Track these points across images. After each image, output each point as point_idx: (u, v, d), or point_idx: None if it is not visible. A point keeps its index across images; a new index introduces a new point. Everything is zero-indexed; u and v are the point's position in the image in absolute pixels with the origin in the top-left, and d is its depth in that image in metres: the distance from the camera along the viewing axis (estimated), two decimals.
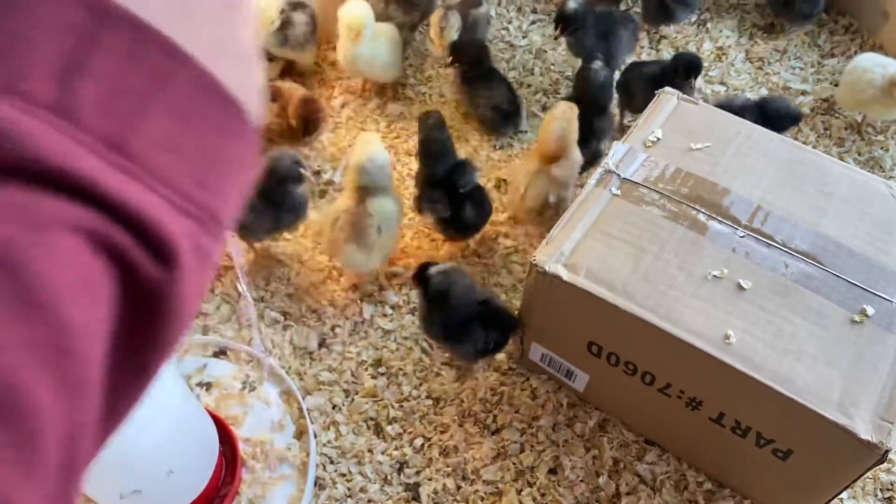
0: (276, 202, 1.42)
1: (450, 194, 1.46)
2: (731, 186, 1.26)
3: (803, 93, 1.89)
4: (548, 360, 1.37)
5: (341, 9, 1.69)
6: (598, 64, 1.62)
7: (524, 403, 1.39)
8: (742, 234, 1.20)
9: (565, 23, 1.72)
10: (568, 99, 1.64)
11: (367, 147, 1.41)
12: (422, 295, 1.33)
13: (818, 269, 1.17)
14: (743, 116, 1.46)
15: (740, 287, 1.15)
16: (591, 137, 1.58)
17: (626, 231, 1.21)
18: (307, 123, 1.60)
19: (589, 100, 1.59)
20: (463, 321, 1.29)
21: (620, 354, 1.22)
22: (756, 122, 1.47)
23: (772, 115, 1.60)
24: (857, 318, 1.12)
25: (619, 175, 1.28)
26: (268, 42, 1.75)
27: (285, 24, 1.75)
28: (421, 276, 1.31)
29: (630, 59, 1.86)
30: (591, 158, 1.59)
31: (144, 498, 1.08)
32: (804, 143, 1.76)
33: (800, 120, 1.68)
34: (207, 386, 1.38)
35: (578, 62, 1.71)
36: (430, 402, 1.39)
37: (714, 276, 1.16)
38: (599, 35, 1.74)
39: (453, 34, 1.76)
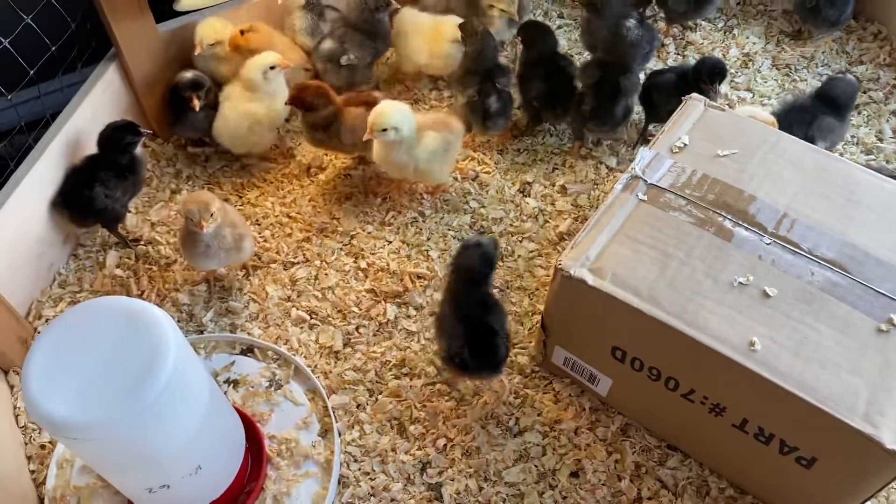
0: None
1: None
2: (757, 193, 1.26)
3: None
4: (571, 364, 1.37)
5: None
6: (632, 22, 1.65)
7: (547, 407, 1.40)
8: (768, 241, 1.21)
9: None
10: (597, 59, 1.72)
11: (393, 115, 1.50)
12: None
13: (845, 277, 1.16)
14: (817, 108, 1.59)
15: (766, 294, 1.15)
16: (620, 95, 1.66)
17: (652, 236, 1.22)
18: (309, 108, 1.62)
19: (618, 56, 1.67)
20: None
21: (644, 359, 1.23)
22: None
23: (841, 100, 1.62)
24: (884, 327, 1.11)
25: (645, 180, 1.29)
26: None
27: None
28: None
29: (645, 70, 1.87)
30: (624, 114, 1.69)
31: (172, 492, 1.10)
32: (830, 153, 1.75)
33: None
34: (235, 383, 1.41)
35: None
36: (453, 403, 1.40)
37: (740, 282, 1.16)
38: None
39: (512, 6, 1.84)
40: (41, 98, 1.60)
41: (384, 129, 1.49)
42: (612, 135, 1.79)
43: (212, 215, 1.36)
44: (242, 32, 1.71)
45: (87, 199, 1.50)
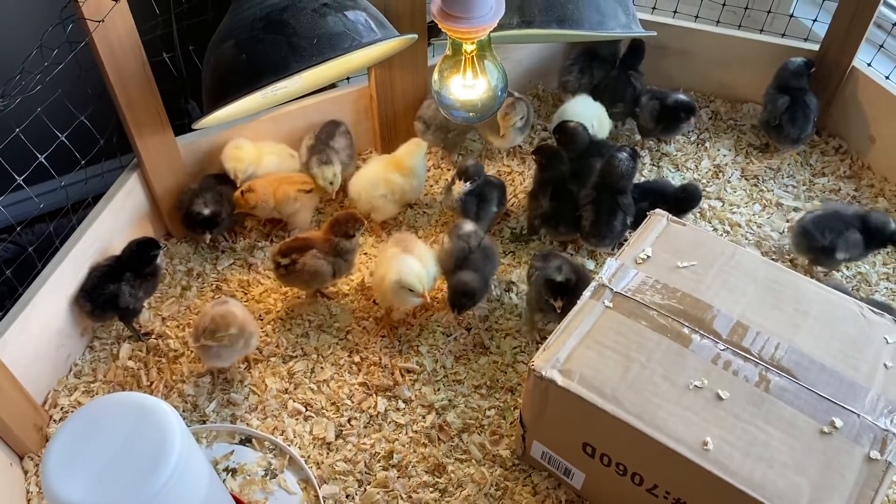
0: None
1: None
2: (713, 302, 1.39)
3: (795, 209, 2.03)
4: (548, 458, 1.47)
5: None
6: (624, 154, 1.82)
7: (525, 499, 1.48)
8: (722, 348, 1.33)
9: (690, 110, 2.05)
10: (595, 183, 1.85)
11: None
12: None
13: (792, 382, 1.28)
14: (853, 223, 1.76)
15: (719, 397, 1.26)
16: (618, 210, 1.82)
17: (616, 341, 1.34)
18: (345, 234, 1.75)
19: (611, 182, 1.82)
20: None
21: (612, 456, 1.33)
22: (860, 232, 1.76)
23: (873, 228, 1.78)
24: (826, 429, 1.22)
25: (611, 289, 1.42)
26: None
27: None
28: None
29: None
30: (621, 229, 1.84)
31: None
32: (794, 258, 1.89)
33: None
34: (233, 472, 1.50)
35: None
36: (437, 494, 1.49)
37: (695, 385, 1.28)
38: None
39: (517, 121, 2.02)
40: (65, 188, 1.74)
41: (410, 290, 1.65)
42: (608, 249, 1.92)
43: (228, 337, 1.53)
44: (242, 193, 1.88)
45: (112, 295, 1.66)
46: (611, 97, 2.16)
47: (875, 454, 1.18)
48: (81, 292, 1.67)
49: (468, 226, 1.78)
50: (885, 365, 1.30)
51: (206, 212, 1.82)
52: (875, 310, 1.40)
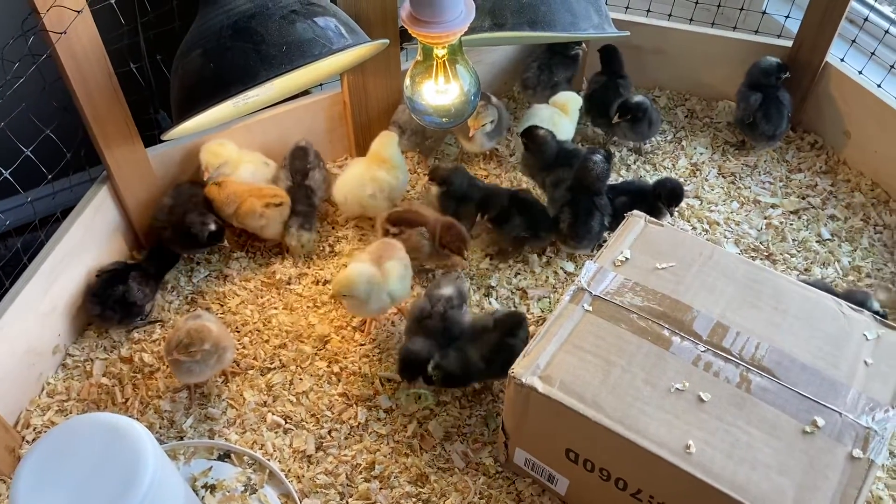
0: None
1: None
2: (693, 303, 1.38)
3: (773, 206, 2.03)
4: (531, 465, 1.45)
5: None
6: (598, 157, 1.81)
7: None
8: (703, 349, 1.32)
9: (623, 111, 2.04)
10: (569, 185, 1.84)
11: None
12: None
13: (773, 381, 1.27)
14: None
15: (700, 399, 1.25)
16: (595, 211, 1.82)
17: (596, 345, 1.33)
18: (445, 247, 1.79)
19: (586, 185, 1.82)
20: None
21: (595, 461, 1.31)
22: None
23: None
24: (808, 428, 1.21)
25: (590, 292, 1.41)
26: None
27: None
28: None
29: None
30: (599, 230, 1.84)
31: None
32: (773, 256, 1.89)
33: None
34: (212, 488, 1.47)
35: None
36: None
37: (677, 388, 1.27)
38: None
39: (487, 124, 2.01)
40: (32, 203, 1.71)
41: (345, 296, 1.64)
42: (587, 251, 1.91)
43: (201, 352, 1.51)
44: (217, 183, 1.87)
45: (123, 294, 1.70)
46: (605, 108, 2.14)
47: (858, 452, 1.18)
48: (89, 296, 1.71)
49: (447, 290, 1.64)
50: (866, 362, 1.30)
51: (214, 227, 1.81)
52: (854, 307, 1.40)
